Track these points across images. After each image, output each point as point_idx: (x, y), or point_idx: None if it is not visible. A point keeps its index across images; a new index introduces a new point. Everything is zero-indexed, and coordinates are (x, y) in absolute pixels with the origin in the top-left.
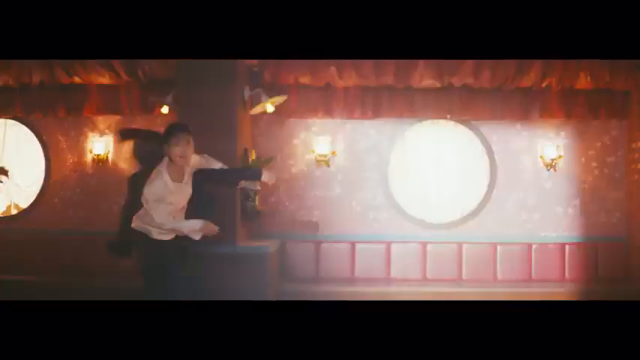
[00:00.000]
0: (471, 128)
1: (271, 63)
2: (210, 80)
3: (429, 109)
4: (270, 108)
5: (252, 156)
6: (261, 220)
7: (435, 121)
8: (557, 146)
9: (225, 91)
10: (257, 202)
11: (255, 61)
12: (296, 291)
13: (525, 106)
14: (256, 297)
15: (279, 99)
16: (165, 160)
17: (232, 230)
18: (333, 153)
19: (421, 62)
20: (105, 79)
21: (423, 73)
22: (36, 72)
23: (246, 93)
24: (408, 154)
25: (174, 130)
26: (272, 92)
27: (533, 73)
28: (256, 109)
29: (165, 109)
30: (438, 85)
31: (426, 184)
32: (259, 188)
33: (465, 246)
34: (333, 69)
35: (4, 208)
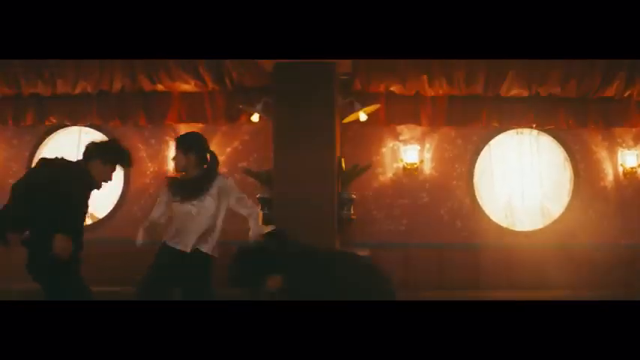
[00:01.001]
0: (554, 137)
1: (362, 71)
2: (305, 88)
3: (514, 117)
4: (363, 117)
5: (343, 165)
6: (353, 229)
7: (520, 130)
8: (638, 155)
9: (323, 100)
10: (352, 211)
11: (346, 70)
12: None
13: (607, 116)
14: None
15: (373, 107)
16: None
17: (331, 238)
18: (421, 162)
19: (511, 72)
20: (189, 87)
21: (512, 82)
22: (117, 79)
23: (339, 101)
24: (493, 162)
25: None
26: (361, 100)
27: (617, 82)
28: (349, 118)
29: (255, 117)
30: (525, 94)
31: (511, 192)
32: (354, 197)
33: (549, 253)
34: (424, 77)
35: None
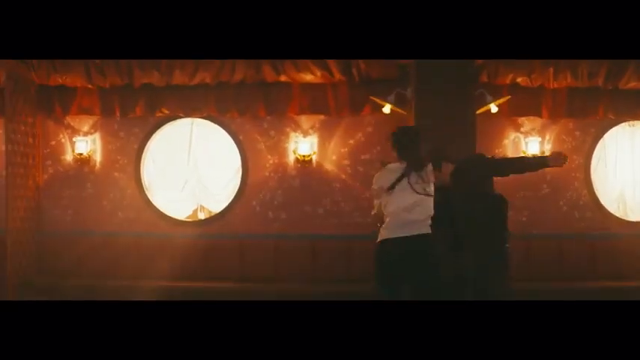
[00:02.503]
0: None
1: (490, 63)
2: (442, 80)
3: (629, 110)
4: (494, 108)
5: None
6: None
7: (632, 122)
8: None
9: (460, 91)
10: None
11: (478, 61)
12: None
13: None
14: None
15: (503, 99)
16: None
17: None
18: (542, 153)
19: (632, 63)
20: (314, 78)
21: (632, 75)
22: (239, 70)
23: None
24: (607, 154)
25: None
26: (488, 92)
27: None
28: (480, 110)
29: (387, 109)
30: None
31: (624, 183)
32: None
33: None
34: (550, 70)
35: (190, 212)
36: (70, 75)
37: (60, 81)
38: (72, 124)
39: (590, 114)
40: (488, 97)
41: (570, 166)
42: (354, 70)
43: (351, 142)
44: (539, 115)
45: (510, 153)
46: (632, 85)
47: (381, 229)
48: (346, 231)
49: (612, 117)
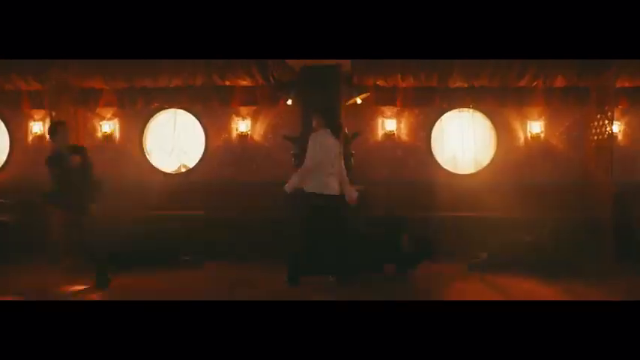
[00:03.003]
0: None
1: (359, 69)
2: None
3: (457, 101)
4: (359, 101)
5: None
6: None
7: (459, 109)
8: None
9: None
10: None
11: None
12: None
13: None
14: None
15: (365, 95)
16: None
17: None
18: (398, 130)
19: (457, 64)
20: (246, 82)
21: (457, 76)
22: (200, 77)
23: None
24: (445, 130)
25: None
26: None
27: None
28: (350, 101)
29: (289, 102)
30: None
31: (455, 150)
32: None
33: None
34: (398, 75)
35: (176, 168)
36: (96, 80)
37: (89, 84)
38: (100, 113)
39: (430, 104)
40: (354, 93)
41: (417, 138)
42: (271, 77)
43: (272, 122)
44: (395, 105)
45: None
46: (458, 84)
47: None
48: (264, 178)
49: (445, 106)
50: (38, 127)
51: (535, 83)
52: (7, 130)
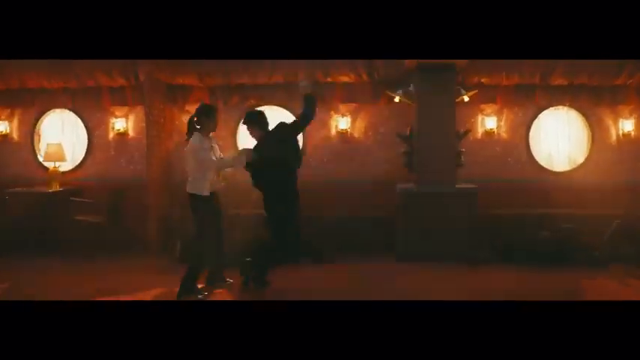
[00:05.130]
0: None
1: (464, 68)
2: (432, 80)
3: (556, 99)
4: (466, 99)
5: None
6: None
7: (557, 107)
8: None
9: (445, 88)
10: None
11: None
12: None
13: None
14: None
15: (473, 92)
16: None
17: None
18: (498, 128)
19: (560, 64)
20: (349, 79)
21: (559, 74)
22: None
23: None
24: (542, 128)
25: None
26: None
27: None
28: (458, 99)
29: (397, 99)
30: None
31: (551, 147)
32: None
33: None
34: (503, 73)
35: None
36: (187, 77)
37: (181, 81)
38: (189, 110)
39: (529, 102)
40: (462, 91)
41: (516, 135)
42: (376, 73)
43: (374, 120)
44: (495, 102)
45: (478, 129)
46: (559, 82)
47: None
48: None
49: (544, 104)
50: (121, 124)
51: (630, 81)
52: (86, 127)
